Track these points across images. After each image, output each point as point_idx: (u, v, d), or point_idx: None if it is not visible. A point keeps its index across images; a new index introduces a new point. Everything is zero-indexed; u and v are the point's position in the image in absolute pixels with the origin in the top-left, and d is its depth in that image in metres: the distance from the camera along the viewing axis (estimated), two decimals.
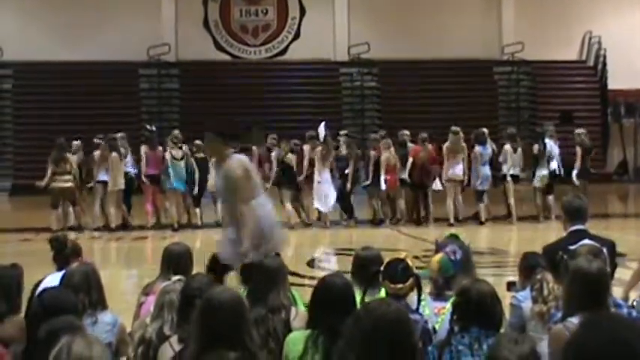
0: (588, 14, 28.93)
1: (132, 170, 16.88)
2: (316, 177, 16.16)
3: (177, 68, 28.15)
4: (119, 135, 16.94)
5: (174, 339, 4.46)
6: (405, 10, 28.34)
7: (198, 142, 16.27)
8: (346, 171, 16.48)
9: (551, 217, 16.18)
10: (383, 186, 16.34)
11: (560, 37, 28.54)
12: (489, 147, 16.67)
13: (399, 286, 4.69)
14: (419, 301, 4.71)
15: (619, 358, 2.35)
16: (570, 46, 29.15)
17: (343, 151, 16.75)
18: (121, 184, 16.30)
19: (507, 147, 16.61)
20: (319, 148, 16.25)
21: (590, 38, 29.04)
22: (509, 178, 16.47)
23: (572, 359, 2.42)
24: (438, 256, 5.31)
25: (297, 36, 29.04)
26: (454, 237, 5.73)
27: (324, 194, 16.13)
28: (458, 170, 16.34)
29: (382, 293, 4.83)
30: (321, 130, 16.61)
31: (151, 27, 27.56)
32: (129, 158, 16.92)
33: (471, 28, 28.65)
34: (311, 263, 12.64)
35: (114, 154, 16.25)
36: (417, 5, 28.43)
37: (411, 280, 4.72)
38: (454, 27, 28.31)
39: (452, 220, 16.06)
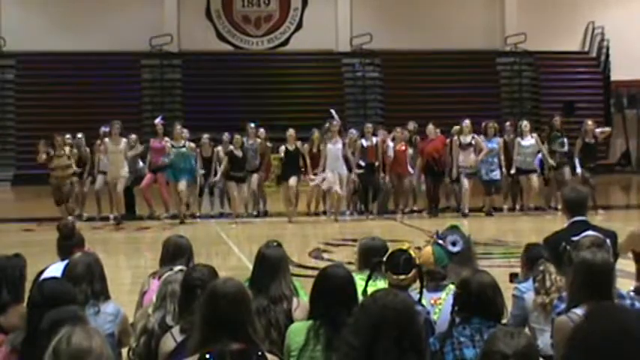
0: (591, 4, 28.86)
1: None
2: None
3: (180, 58, 28.13)
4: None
5: (176, 329, 4.46)
6: (407, 1, 28.29)
7: (237, 136, 16.18)
8: (377, 163, 16.26)
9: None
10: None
11: (562, 28, 28.48)
12: (496, 140, 16.58)
13: (402, 277, 4.68)
14: (421, 292, 4.70)
15: (624, 347, 2.35)
16: (573, 37, 29.10)
17: (367, 142, 16.35)
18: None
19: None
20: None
21: (593, 29, 28.97)
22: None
23: (577, 348, 2.42)
24: (431, 247, 5.27)
25: (299, 27, 29.00)
26: (455, 228, 5.71)
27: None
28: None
29: (384, 283, 4.82)
30: (335, 114, 16.52)
31: (154, 17, 27.54)
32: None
33: (474, 18, 28.61)
34: (313, 254, 12.65)
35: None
36: None
37: (413, 272, 4.70)
38: (457, 18, 28.28)
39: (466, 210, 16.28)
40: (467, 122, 16.57)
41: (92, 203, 16.77)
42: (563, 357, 2.53)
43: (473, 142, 16.39)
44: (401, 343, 3.12)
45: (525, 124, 16.72)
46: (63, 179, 15.89)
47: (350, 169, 16.21)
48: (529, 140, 16.47)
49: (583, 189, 6.61)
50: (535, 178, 16.46)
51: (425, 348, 3.36)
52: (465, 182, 16.34)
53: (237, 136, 16.29)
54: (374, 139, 16.41)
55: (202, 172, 16.35)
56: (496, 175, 16.43)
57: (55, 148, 15.99)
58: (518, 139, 16.53)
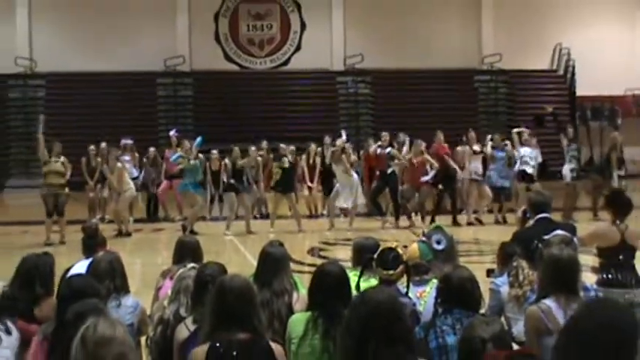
0: (559, 28, 28.96)
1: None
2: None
3: (191, 77, 28.13)
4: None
5: (189, 320, 4.47)
6: (395, 25, 28.35)
7: (236, 148, 15.53)
8: (395, 170, 15.41)
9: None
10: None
11: (534, 49, 28.56)
12: (505, 151, 16.01)
13: (390, 272, 4.71)
14: (408, 286, 4.72)
15: (601, 339, 2.39)
16: (543, 57, 29.16)
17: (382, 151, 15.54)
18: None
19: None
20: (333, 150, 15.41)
21: (560, 50, 29.05)
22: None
23: (570, 339, 2.45)
24: (417, 244, 5.34)
25: (298, 48, 29.03)
26: (439, 228, 5.76)
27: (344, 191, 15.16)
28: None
29: (376, 281, 4.84)
30: (344, 134, 15.93)
31: (168, 40, 27.57)
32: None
33: (454, 40, 28.71)
34: (312, 252, 12.66)
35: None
36: (406, 21, 28.43)
37: (401, 267, 4.73)
38: (439, 40, 28.37)
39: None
40: (472, 134, 16.25)
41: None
42: (555, 346, 2.57)
43: (481, 150, 15.99)
44: (390, 334, 3.13)
45: (525, 132, 16.21)
46: (55, 187, 14.08)
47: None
48: (526, 149, 15.87)
49: (547, 193, 6.69)
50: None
51: (413, 338, 3.37)
52: (474, 190, 15.81)
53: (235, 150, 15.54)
54: (388, 149, 15.51)
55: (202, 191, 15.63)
56: (506, 182, 15.81)
57: (51, 154, 14.41)
58: (519, 147, 15.97)
